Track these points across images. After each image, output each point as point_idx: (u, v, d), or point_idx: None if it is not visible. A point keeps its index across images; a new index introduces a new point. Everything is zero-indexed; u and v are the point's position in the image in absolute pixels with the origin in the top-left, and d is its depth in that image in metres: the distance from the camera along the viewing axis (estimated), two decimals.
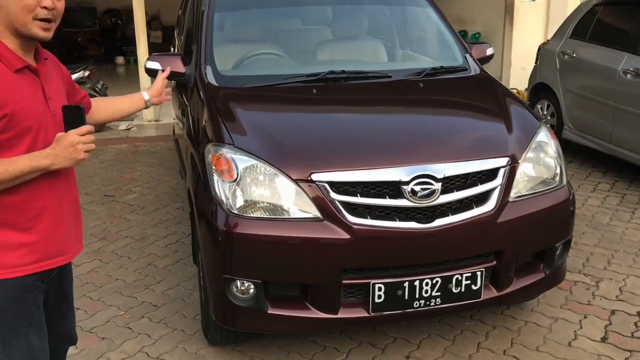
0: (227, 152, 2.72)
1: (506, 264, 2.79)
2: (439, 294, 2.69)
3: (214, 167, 2.72)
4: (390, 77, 3.38)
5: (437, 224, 2.62)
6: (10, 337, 1.83)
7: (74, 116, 1.79)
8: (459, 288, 2.71)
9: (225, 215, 2.62)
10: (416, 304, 2.68)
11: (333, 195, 2.58)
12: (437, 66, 3.52)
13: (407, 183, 2.60)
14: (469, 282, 2.71)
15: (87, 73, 7.18)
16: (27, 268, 1.81)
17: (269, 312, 2.65)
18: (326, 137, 2.85)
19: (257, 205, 2.62)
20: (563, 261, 3.02)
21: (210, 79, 3.30)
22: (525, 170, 2.84)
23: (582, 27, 6.11)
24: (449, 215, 2.65)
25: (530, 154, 2.87)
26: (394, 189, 2.61)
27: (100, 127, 7.53)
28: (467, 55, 3.68)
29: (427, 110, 3.23)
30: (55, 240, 1.87)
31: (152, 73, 3.52)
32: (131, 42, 14.32)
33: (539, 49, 6.76)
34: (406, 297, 2.66)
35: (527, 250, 2.87)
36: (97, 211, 5.05)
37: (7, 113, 1.69)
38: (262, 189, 2.64)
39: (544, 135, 2.99)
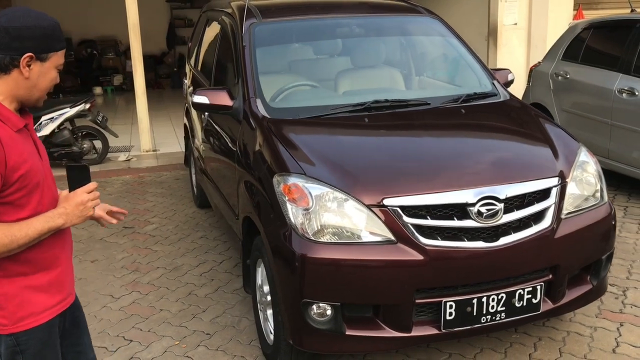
0: (299, 181, 2.85)
1: (561, 277, 2.97)
2: (503, 308, 2.85)
3: (286, 196, 2.84)
4: (429, 104, 3.56)
5: (501, 242, 2.79)
6: None
7: (79, 174, 1.89)
8: (522, 302, 2.87)
9: (302, 241, 2.74)
10: (483, 320, 2.84)
11: (405, 218, 2.73)
12: (470, 92, 3.72)
13: (474, 204, 2.77)
14: (530, 296, 2.88)
15: (87, 106, 7.18)
16: (54, 310, 1.95)
17: (347, 333, 2.77)
18: (392, 163, 3.00)
19: (332, 231, 2.75)
20: (606, 273, 3.23)
21: (262, 111, 3.43)
22: (572, 188, 3.04)
23: (573, 50, 6.46)
24: (511, 234, 2.82)
25: (575, 173, 3.08)
26: (460, 210, 2.77)
27: (100, 158, 7.58)
28: (495, 82, 3.90)
29: (477, 134, 3.42)
30: (67, 280, 2.01)
31: (201, 107, 3.64)
32: (107, 72, 14.42)
33: (530, 71, 7.08)
34: (475, 313, 2.81)
35: (578, 263, 3.06)
36: (120, 243, 5.08)
37: (22, 174, 1.77)
38: (335, 215, 2.77)
39: (585, 155, 3.20)
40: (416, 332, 2.80)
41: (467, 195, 2.78)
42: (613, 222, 3.15)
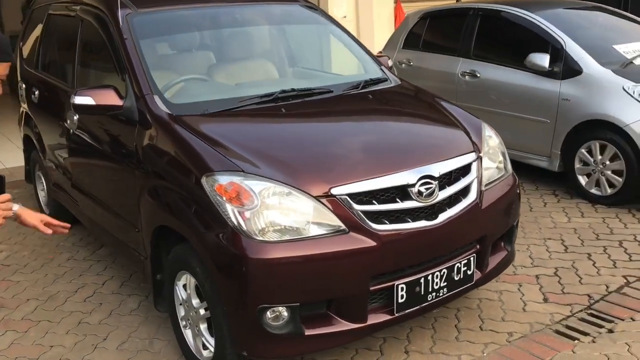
0: (236, 179, 2.63)
1: (486, 247, 3.12)
2: (445, 284, 2.91)
3: (223, 197, 2.61)
4: (332, 91, 3.51)
5: (440, 220, 2.84)
6: None
7: None
8: (459, 275, 2.96)
9: (250, 243, 2.53)
10: (429, 297, 2.87)
11: (355, 206, 2.65)
12: (367, 79, 3.74)
13: (414, 185, 2.78)
14: (465, 268, 2.98)
15: None
16: None
17: (307, 333, 2.62)
18: (329, 152, 2.89)
19: (281, 228, 2.58)
20: (515, 239, 3.45)
21: (163, 108, 3.11)
22: (486, 162, 3.20)
23: (412, 39, 6.86)
24: (446, 210, 2.89)
25: (485, 147, 3.24)
26: (401, 192, 2.77)
27: None
28: (382, 67, 3.97)
29: (394, 118, 3.44)
30: None
31: (83, 110, 3.22)
32: None
33: None
34: (422, 292, 2.84)
35: (499, 232, 3.23)
36: None
37: None
38: (282, 211, 2.60)
39: (488, 130, 3.39)
40: (371, 320, 2.75)
41: (407, 176, 2.78)
42: (518, 191, 3.38)
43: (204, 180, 2.69)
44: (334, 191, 2.65)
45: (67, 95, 4.07)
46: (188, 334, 3.09)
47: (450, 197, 2.93)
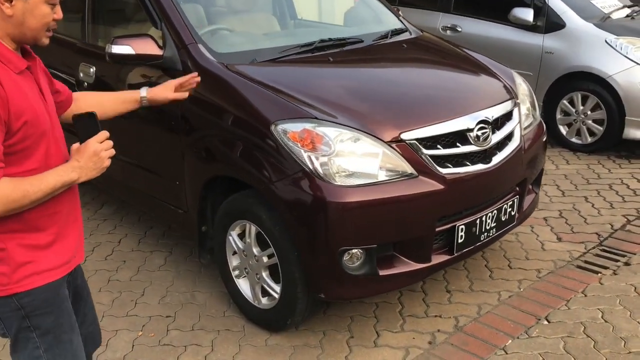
0: (308, 126, 2.64)
1: (524, 189, 3.28)
2: (495, 224, 3.06)
3: (298, 144, 2.62)
4: (362, 41, 3.53)
5: (494, 162, 2.96)
6: (54, 344, 1.80)
7: (87, 124, 1.75)
8: (505, 216, 3.12)
9: (330, 187, 2.57)
10: (482, 237, 3.01)
11: (424, 150, 2.73)
12: (392, 29, 3.77)
13: (472, 130, 2.88)
14: (510, 209, 3.14)
15: None
16: (61, 270, 1.80)
17: (381, 274, 2.71)
18: (393, 98, 2.93)
19: (355, 173, 2.63)
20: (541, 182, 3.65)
21: (212, 58, 3.05)
22: (522, 109, 3.34)
23: None
24: (497, 154, 3.02)
25: (520, 95, 3.38)
26: (461, 137, 2.87)
27: None
28: (401, 18, 4.02)
29: (437, 67, 3.50)
30: (72, 241, 1.85)
31: (123, 59, 3.10)
32: None
33: None
34: (477, 233, 2.97)
35: (535, 175, 3.40)
36: None
37: (26, 120, 1.64)
38: (356, 156, 2.64)
39: (518, 77, 3.53)
40: (435, 260, 2.86)
41: (468, 121, 2.87)
42: (545, 138, 3.55)
43: (273, 128, 2.68)
44: (404, 136, 2.71)
45: (76, 49, 3.90)
46: (242, 283, 3.10)
47: (499, 142, 3.05)
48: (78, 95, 2.13)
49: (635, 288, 3.32)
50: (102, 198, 4.67)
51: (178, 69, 3.10)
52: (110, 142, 1.76)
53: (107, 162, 1.76)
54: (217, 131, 2.94)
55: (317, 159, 2.59)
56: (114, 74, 3.55)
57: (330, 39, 3.40)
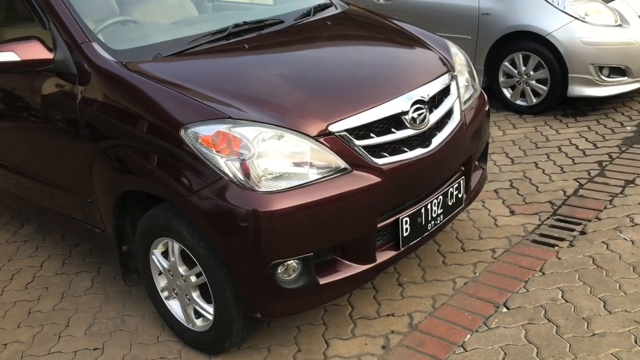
0: (222, 128, 2.32)
1: (470, 168, 3.05)
2: (441, 210, 2.82)
3: (212, 150, 2.30)
4: (283, 21, 3.20)
5: (434, 145, 2.71)
6: None
7: None
8: (452, 200, 2.88)
9: (256, 196, 2.27)
10: (429, 227, 2.78)
11: (356, 142, 2.45)
12: (315, 5, 3.45)
13: (407, 112, 2.61)
14: (456, 192, 2.90)
15: None
16: None
17: (321, 283, 2.44)
18: (315, 87, 2.63)
19: (282, 175, 2.33)
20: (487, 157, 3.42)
21: (108, 57, 2.68)
22: (460, 81, 3.08)
23: None
24: (437, 135, 2.76)
25: (456, 67, 3.12)
26: (395, 121, 2.59)
27: None
28: None
29: (364, 44, 3.19)
30: None
31: (5, 68, 2.72)
32: None
33: None
34: (423, 223, 2.73)
35: (480, 151, 3.16)
36: None
37: None
38: (281, 156, 2.34)
39: (453, 46, 3.26)
40: (380, 259, 2.61)
41: (401, 103, 2.60)
42: (487, 108, 3.31)
43: (183, 133, 2.35)
44: (332, 128, 2.42)
45: None
46: (173, 304, 2.80)
47: (438, 121, 2.79)
48: None
49: (594, 260, 3.14)
50: (22, 216, 4.26)
51: (72, 73, 2.73)
52: None
53: None
54: (124, 140, 2.60)
55: (235, 164, 2.29)
56: (7, 86, 3.15)
57: (245, 22, 3.06)
